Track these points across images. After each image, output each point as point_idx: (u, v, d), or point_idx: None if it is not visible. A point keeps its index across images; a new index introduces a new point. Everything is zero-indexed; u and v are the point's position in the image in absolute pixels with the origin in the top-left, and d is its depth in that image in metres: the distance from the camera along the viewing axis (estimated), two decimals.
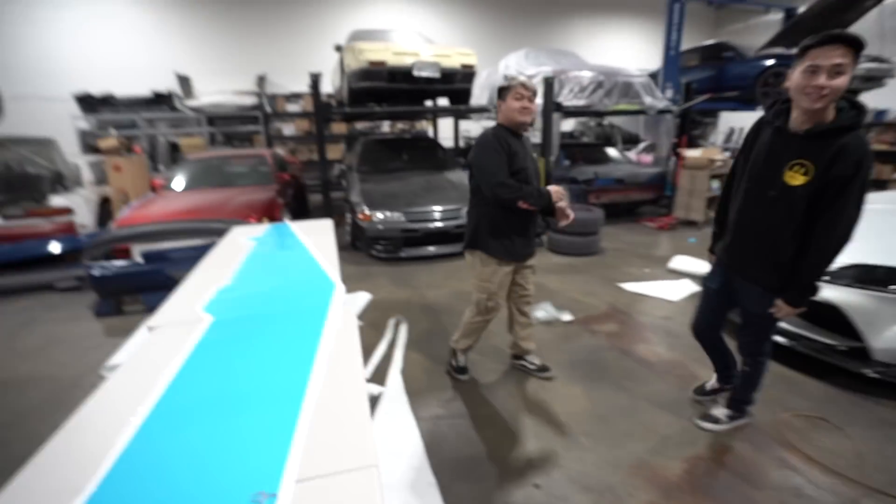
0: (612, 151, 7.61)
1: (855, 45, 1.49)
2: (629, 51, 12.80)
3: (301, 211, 7.32)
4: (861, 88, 7.19)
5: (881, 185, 9.61)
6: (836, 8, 6.75)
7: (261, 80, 9.73)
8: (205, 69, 9.45)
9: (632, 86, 6.12)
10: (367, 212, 4.88)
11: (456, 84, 5.46)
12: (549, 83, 5.49)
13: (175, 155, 8.06)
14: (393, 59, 4.96)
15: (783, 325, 2.86)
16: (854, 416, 2.36)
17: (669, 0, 7.36)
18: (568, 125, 10.46)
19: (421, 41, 6.09)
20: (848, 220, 1.64)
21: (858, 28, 7.70)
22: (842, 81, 1.51)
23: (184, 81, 9.05)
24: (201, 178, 5.62)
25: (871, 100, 9.17)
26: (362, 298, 3.90)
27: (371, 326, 3.44)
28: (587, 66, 6.43)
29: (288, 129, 9.85)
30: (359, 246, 5.33)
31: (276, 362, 1.26)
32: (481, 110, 6.42)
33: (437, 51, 5.36)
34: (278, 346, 1.36)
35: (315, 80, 5.04)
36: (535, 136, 6.05)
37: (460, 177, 5.71)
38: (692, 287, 4.07)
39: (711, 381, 2.52)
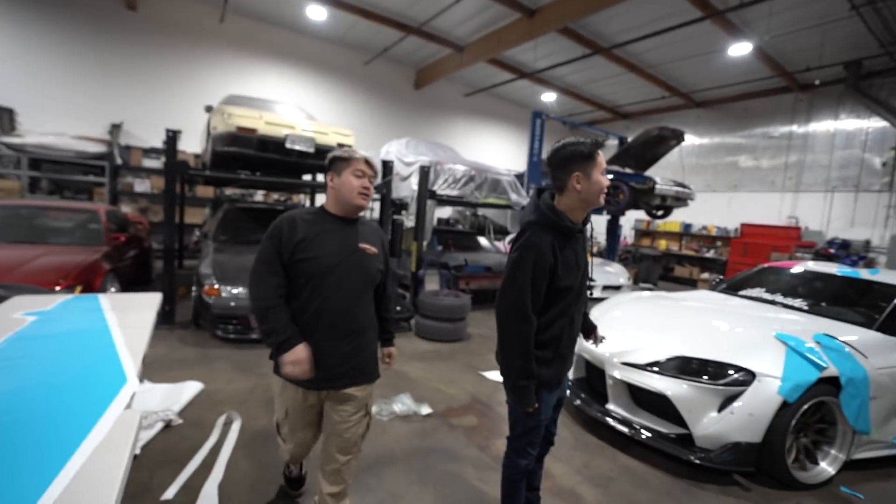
0: (483, 241, 8.11)
1: None
2: (501, 152, 14.44)
3: (141, 279, 6.26)
4: (674, 206, 8.90)
5: (693, 283, 11.73)
6: (651, 142, 8.48)
7: (115, 129, 8.66)
8: (41, 105, 8.12)
9: (500, 182, 6.74)
10: (215, 285, 4.28)
11: None
12: (425, 171, 5.75)
13: None
14: (265, 128, 4.76)
15: (625, 414, 3.02)
16: None
17: (533, 116, 8.58)
18: (445, 212, 11.05)
19: (301, 115, 6.04)
20: None
21: (666, 161, 9.76)
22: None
23: (3, 113, 7.62)
24: None
25: (680, 216, 11.38)
26: (190, 390, 3.23)
27: (194, 425, 2.81)
28: (461, 161, 6.96)
29: (142, 185, 8.72)
30: (202, 324, 4.60)
31: None
32: None
33: (315, 126, 5.32)
34: None
35: (172, 135, 4.57)
36: (409, 221, 6.17)
37: None
38: None
39: None
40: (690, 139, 12.55)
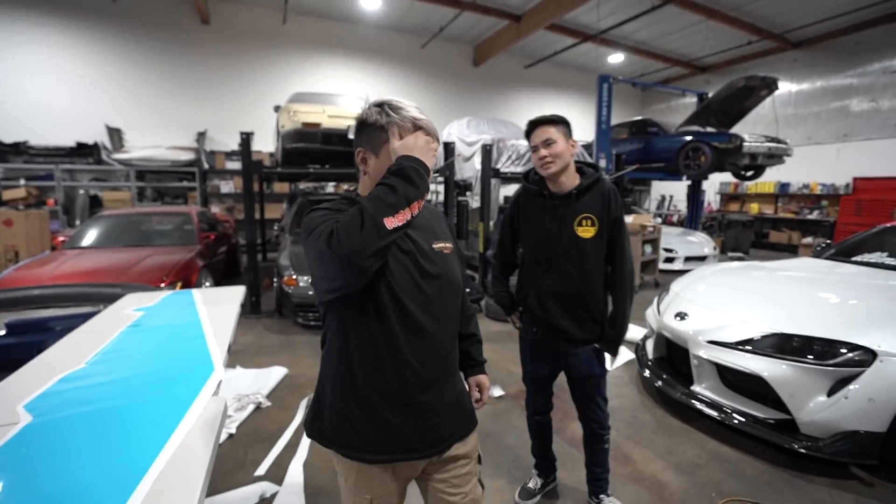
0: None
1: (554, 121, 1.80)
2: (572, 123, 13.78)
3: (231, 272, 6.87)
4: (766, 164, 7.96)
5: (792, 249, 10.50)
6: (737, 95, 7.60)
7: (201, 137, 9.48)
8: (141, 123, 9.09)
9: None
10: (293, 276, 4.57)
11: None
12: (487, 150, 5.63)
13: (94, 210, 7.47)
14: (328, 122, 4.93)
15: (713, 397, 2.78)
16: (788, 497, 2.23)
17: (599, 80, 8.04)
18: (511, 190, 10.80)
19: (362, 105, 6.16)
20: (629, 254, 1.92)
21: (756, 114, 8.69)
22: (557, 148, 1.77)
23: (114, 133, 8.63)
24: (113, 237, 5.14)
25: (774, 175, 10.20)
26: (276, 374, 3.49)
27: (280, 407, 3.04)
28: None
29: (226, 186, 9.51)
30: (285, 313, 4.94)
31: (88, 483, 0.94)
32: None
33: None
34: (101, 457, 1.04)
35: (246, 138, 4.88)
36: (474, 202, 6.11)
37: None
38: (628, 354, 4.00)
39: (533, 479, 2.26)
40: (785, 87, 11.09)
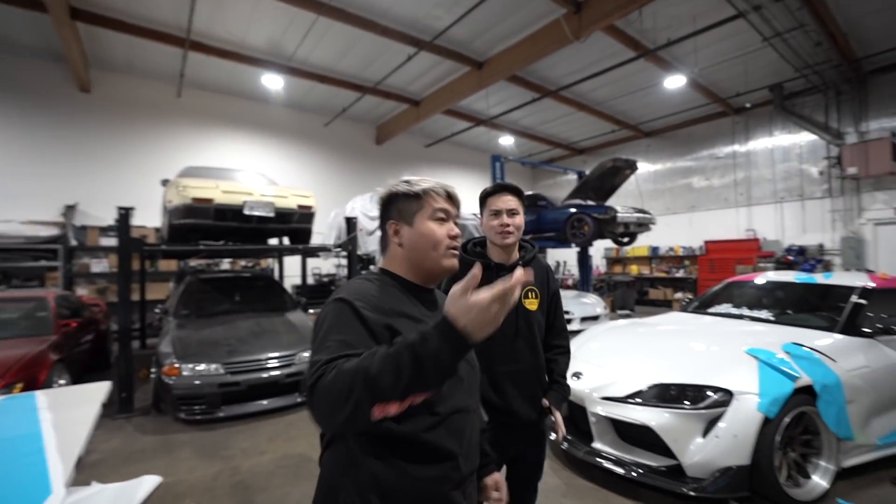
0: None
1: (518, 193, 1.79)
2: (466, 197, 14.58)
3: (100, 364, 5.91)
4: (637, 231, 9.16)
5: (668, 304, 11.89)
6: (608, 174, 8.84)
7: (69, 210, 8.44)
8: None
9: (465, 227, 6.81)
10: (175, 364, 4.05)
11: (293, 224, 5.36)
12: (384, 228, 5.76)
13: None
14: (221, 197, 4.72)
15: (613, 452, 2.91)
16: None
17: (492, 159, 8.86)
18: None
19: (260, 181, 6.04)
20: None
21: (625, 189, 10.13)
22: (518, 220, 1.74)
23: None
24: None
25: (646, 240, 11.72)
26: (147, 486, 2.93)
27: None
28: None
29: (100, 265, 8.41)
30: (163, 408, 4.30)
31: None
32: (320, 249, 6.33)
33: (274, 191, 5.31)
34: None
35: (125, 213, 4.47)
36: None
37: (301, 318, 5.31)
38: None
39: None
40: (644, 167, 13.14)
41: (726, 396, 2.62)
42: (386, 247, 1.15)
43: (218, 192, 4.73)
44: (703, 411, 2.62)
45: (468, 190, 15.59)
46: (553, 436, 1.70)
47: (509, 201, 1.74)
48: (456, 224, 1.13)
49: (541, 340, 1.79)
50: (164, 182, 5.52)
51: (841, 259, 9.72)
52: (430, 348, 0.78)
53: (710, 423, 2.60)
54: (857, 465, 2.89)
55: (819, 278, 3.98)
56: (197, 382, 4.04)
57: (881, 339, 3.12)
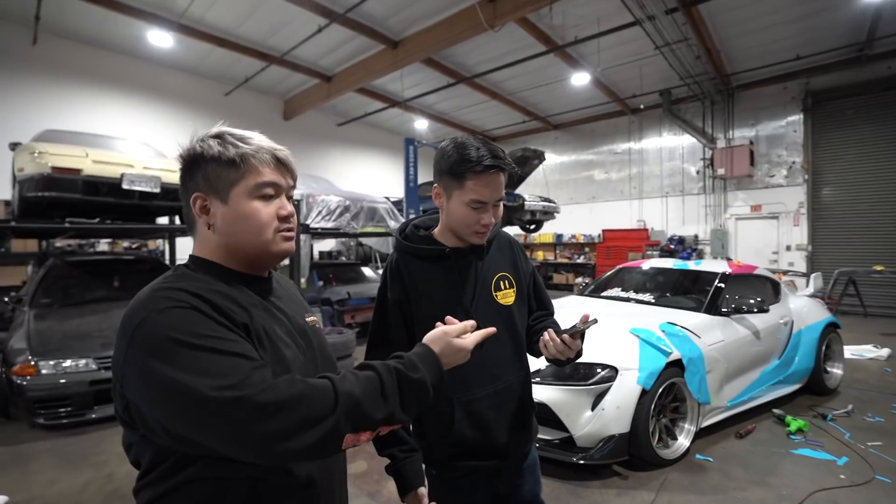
0: (367, 270, 7.92)
1: (506, 170, 1.26)
2: (380, 180, 14.43)
3: None
4: (543, 219, 9.69)
5: (570, 288, 12.84)
6: (517, 162, 9.19)
7: None
8: None
9: (377, 210, 6.67)
10: (31, 362, 3.47)
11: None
12: (296, 205, 5.45)
13: None
14: (92, 168, 4.07)
15: None
16: None
17: (406, 143, 8.73)
18: (327, 245, 10.64)
19: (146, 152, 5.34)
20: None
21: (533, 179, 10.64)
22: (500, 212, 1.28)
23: None
24: None
25: (551, 227, 12.48)
26: None
27: None
28: (335, 192, 6.77)
29: None
30: (14, 414, 3.68)
31: None
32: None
33: (162, 164, 4.71)
34: None
35: None
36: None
37: None
38: None
39: None
40: (552, 158, 13.89)
41: (612, 372, 2.88)
42: (192, 226, 0.89)
43: (88, 162, 4.07)
44: (592, 387, 2.86)
45: (382, 172, 15.36)
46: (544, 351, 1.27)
47: (501, 185, 1.22)
48: (290, 199, 0.88)
49: (525, 340, 1.40)
50: (14, 146, 4.63)
51: (710, 248, 11.19)
52: (416, 376, 0.76)
53: (598, 398, 2.85)
54: (711, 425, 3.37)
55: (692, 265, 4.52)
56: (62, 381, 3.50)
57: (734, 317, 3.65)
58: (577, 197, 14.13)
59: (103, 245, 8.59)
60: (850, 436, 3.37)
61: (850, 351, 5.40)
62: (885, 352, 5.64)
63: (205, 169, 0.82)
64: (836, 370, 4.44)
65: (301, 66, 9.88)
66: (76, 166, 4.02)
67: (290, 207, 0.87)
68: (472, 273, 1.30)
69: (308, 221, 5.81)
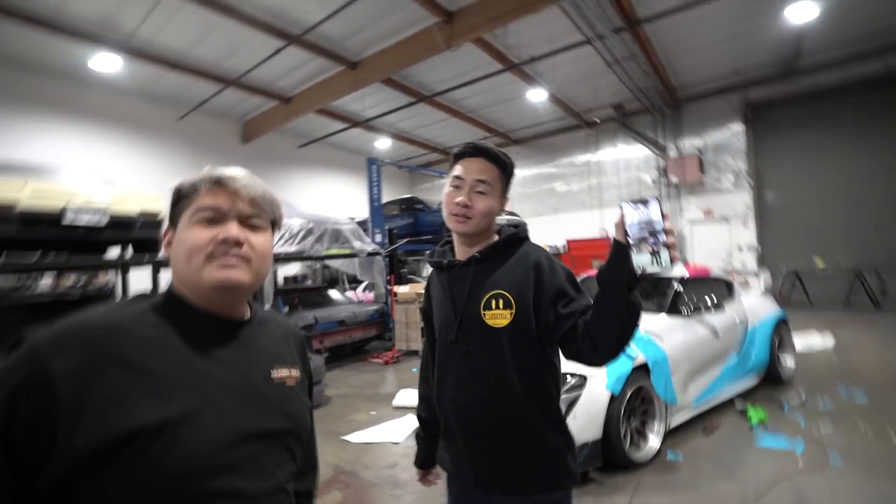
0: (333, 293, 7.74)
1: (499, 161, 1.27)
2: (344, 200, 14.28)
3: None
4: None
5: None
6: None
7: None
8: None
9: (341, 232, 6.59)
10: None
11: (135, 232, 4.58)
12: None
13: None
14: (29, 202, 3.82)
15: None
16: None
17: (368, 163, 8.72)
18: (292, 269, 10.40)
19: (92, 181, 5.07)
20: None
21: None
22: (484, 202, 1.22)
23: None
24: None
25: None
26: None
27: None
28: (298, 214, 6.65)
29: None
30: None
31: None
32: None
33: (108, 194, 4.48)
34: None
35: None
36: None
37: None
38: (415, 422, 4.08)
39: None
40: (515, 172, 14.15)
41: (581, 381, 2.92)
42: None
43: (24, 195, 3.82)
44: (563, 396, 2.87)
45: (346, 192, 15.20)
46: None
47: (482, 170, 1.21)
48: (249, 223, 0.82)
49: (521, 368, 1.19)
50: None
51: None
52: None
53: (570, 406, 2.87)
54: (680, 424, 3.46)
55: None
56: None
57: (694, 317, 3.79)
58: (541, 209, 14.44)
59: (47, 280, 8.06)
60: (805, 424, 3.54)
61: (799, 343, 5.70)
62: (830, 343, 6.00)
63: (173, 207, 0.84)
64: (789, 362, 4.68)
65: (258, 89, 9.76)
66: (10, 199, 3.76)
67: (233, 232, 0.78)
68: (462, 287, 1.26)
69: None
